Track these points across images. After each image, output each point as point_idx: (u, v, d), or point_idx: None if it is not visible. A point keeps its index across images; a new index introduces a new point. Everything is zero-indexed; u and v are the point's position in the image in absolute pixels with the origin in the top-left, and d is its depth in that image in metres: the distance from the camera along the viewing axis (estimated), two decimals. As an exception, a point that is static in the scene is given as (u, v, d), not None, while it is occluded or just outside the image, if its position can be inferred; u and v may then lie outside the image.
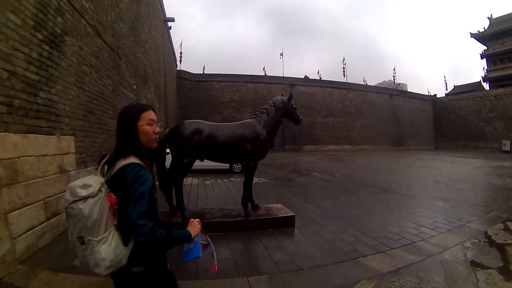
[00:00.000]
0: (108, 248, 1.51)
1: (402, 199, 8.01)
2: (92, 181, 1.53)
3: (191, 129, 5.05)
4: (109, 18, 7.58)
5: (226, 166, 13.44)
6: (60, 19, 5.05)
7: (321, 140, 38.60)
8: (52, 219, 4.64)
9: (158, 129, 1.71)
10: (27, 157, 4.20)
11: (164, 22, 20.50)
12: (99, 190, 1.51)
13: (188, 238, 1.68)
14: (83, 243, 1.51)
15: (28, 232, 4.07)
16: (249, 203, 5.56)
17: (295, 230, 5.39)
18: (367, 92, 43.15)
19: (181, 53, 38.11)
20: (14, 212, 3.84)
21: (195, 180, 11.38)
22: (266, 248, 4.54)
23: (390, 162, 20.71)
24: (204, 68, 42.46)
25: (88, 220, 1.46)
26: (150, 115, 1.68)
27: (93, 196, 1.49)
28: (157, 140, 1.72)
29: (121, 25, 8.76)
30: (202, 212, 5.67)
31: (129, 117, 1.65)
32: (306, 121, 35.54)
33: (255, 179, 11.28)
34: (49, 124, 4.75)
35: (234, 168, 14.00)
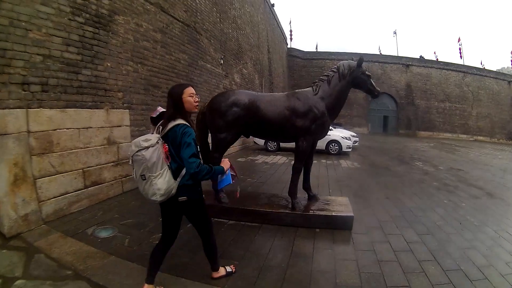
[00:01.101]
0: (163, 181, 2.36)
1: (507, 211, 6.24)
2: (151, 137, 2.39)
3: (228, 101, 4.74)
4: None
5: (321, 145, 12.83)
6: (106, 1, 5.57)
7: (436, 126, 36.94)
8: (91, 187, 5.47)
9: (197, 99, 2.56)
10: (64, 130, 5.00)
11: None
12: (157, 142, 2.37)
13: (222, 171, 2.62)
14: (145, 179, 2.36)
15: (59, 197, 4.93)
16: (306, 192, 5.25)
17: (351, 235, 4.49)
18: (485, 77, 38.49)
19: (290, 31, 38.58)
20: (44, 178, 4.70)
21: (283, 159, 11.39)
22: (288, 256, 3.80)
23: (505, 158, 17.72)
24: (317, 46, 40.76)
25: (149, 162, 2.31)
26: (190, 90, 2.53)
27: (153, 146, 2.34)
28: (197, 106, 2.55)
29: (197, 1, 9.21)
30: (248, 196, 5.44)
31: (176, 92, 2.50)
32: (422, 105, 36.35)
33: (348, 163, 11.26)
34: (95, 99, 5.46)
35: (331, 150, 13.41)
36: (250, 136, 5.19)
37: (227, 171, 2.68)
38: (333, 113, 4.84)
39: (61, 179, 4.95)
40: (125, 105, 6.19)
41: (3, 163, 4.13)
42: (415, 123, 36.00)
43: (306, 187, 5.35)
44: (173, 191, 2.43)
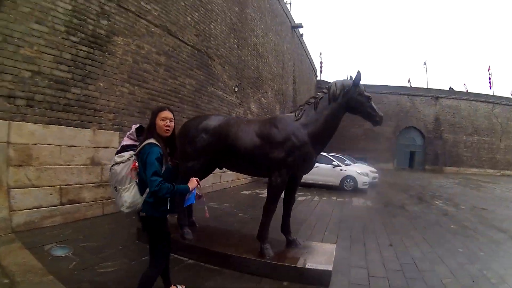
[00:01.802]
0: (129, 195, 2.65)
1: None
2: (125, 154, 2.75)
3: (198, 126, 4.57)
4: (188, 18, 8.27)
5: (334, 181, 12.82)
6: (105, 22, 5.94)
7: (464, 161, 36.20)
8: (67, 205, 5.61)
9: (169, 124, 2.71)
10: (45, 145, 5.22)
11: (292, 29, 21.65)
12: (128, 159, 2.70)
13: (186, 190, 2.69)
14: (116, 191, 2.69)
15: (31, 210, 5.08)
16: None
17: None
18: (515, 107, 37.38)
19: (321, 63, 39.13)
20: (19, 189, 4.90)
21: None
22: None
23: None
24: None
25: (119, 175, 2.67)
26: (164, 114, 2.70)
27: (123, 162, 2.70)
28: (167, 131, 2.71)
29: (211, 26, 9.52)
30: (220, 234, 5.17)
31: (153, 113, 2.74)
32: (449, 139, 35.92)
33: (360, 201, 10.58)
34: (81, 118, 5.70)
35: (345, 186, 12.87)
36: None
37: (193, 191, 2.75)
38: (319, 143, 4.24)
39: (36, 192, 5.12)
40: (115, 126, 6.38)
41: None
42: (442, 158, 35.55)
43: (285, 230, 4.73)
44: (139, 206, 2.67)
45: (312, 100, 4.31)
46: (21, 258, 3.96)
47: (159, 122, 2.66)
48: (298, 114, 4.26)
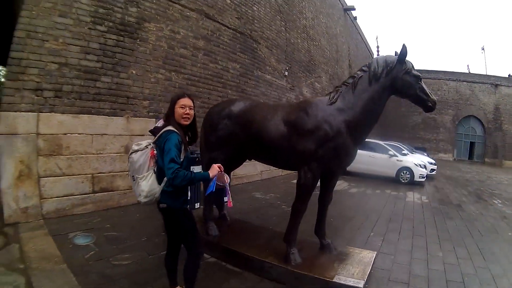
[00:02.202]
0: (147, 183, 2.51)
1: None
2: (143, 142, 2.63)
3: (220, 112, 4.17)
4: (228, 1, 8.00)
5: (390, 172, 12.21)
6: (134, 9, 5.86)
7: None
8: (99, 193, 5.77)
9: (188, 112, 2.59)
10: (76, 134, 5.41)
11: (344, 12, 21.03)
12: (146, 147, 2.58)
13: (206, 178, 2.50)
14: (134, 180, 2.58)
15: (62, 198, 5.32)
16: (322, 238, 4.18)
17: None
18: None
19: (377, 47, 38.20)
20: (49, 178, 5.15)
21: (342, 185, 10.56)
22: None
23: None
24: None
25: (136, 164, 2.55)
26: (183, 101, 2.58)
27: (141, 150, 2.57)
28: (186, 119, 2.59)
29: (254, 8, 8.98)
30: (251, 230, 4.73)
31: (172, 100, 2.63)
32: (510, 131, 33.21)
33: (415, 197, 9.82)
34: (113, 106, 5.77)
35: (401, 178, 12.12)
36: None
37: (213, 178, 2.53)
38: (358, 132, 3.56)
39: (67, 181, 5.33)
40: (150, 113, 6.34)
41: (10, 159, 4.73)
42: (502, 151, 32.92)
43: (319, 232, 4.16)
44: (157, 195, 2.54)
45: (350, 81, 3.66)
46: (42, 245, 4.11)
47: (178, 110, 2.56)
48: (333, 96, 3.63)
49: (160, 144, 2.47)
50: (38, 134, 4.95)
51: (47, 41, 4.97)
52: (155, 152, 2.55)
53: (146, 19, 6.13)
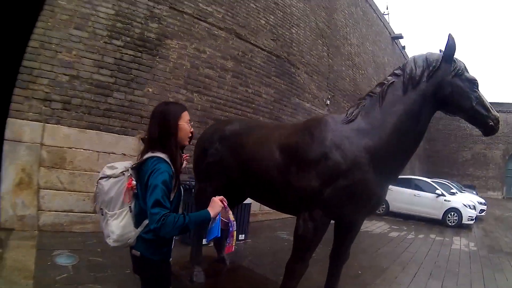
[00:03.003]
0: (118, 224, 1.86)
1: None
2: (119, 165, 1.94)
3: (213, 133, 3.57)
4: (262, 21, 7.64)
5: (436, 214, 11.12)
6: (155, 25, 5.77)
7: None
8: (102, 215, 5.33)
9: (192, 129, 2.05)
10: (81, 150, 5.27)
11: (392, 40, 20.65)
12: (122, 173, 1.89)
13: (206, 219, 1.84)
14: (102, 214, 1.92)
15: (61, 212, 5.10)
16: None
17: None
18: None
19: None
20: (49, 190, 5.00)
21: (383, 227, 9.71)
22: None
23: None
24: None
25: (107, 195, 1.87)
26: (187, 115, 2.01)
27: (115, 177, 1.89)
28: (191, 138, 2.06)
29: (293, 31, 8.61)
30: (251, 277, 3.92)
31: (170, 114, 1.98)
32: None
33: (463, 242, 8.71)
34: (124, 124, 5.61)
35: (448, 221, 11.01)
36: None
37: (217, 218, 1.87)
38: (389, 163, 2.59)
39: (67, 196, 5.13)
40: (167, 136, 5.94)
41: (12, 165, 4.76)
42: None
43: None
44: (130, 241, 1.89)
45: (377, 89, 2.71)
46: (22, 256, 4.02)
47: (186, 126, 1.96)
48: (351, 113, 2.71)
49: (144, 175, 1.83)
50: (42, 144, 4.89)
51: (60, 52, 5.04)
52: (134, 183, 1.87)
53: (168, 35, 6.01)
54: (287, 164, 2.76)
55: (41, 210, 4.87)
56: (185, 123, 1.95)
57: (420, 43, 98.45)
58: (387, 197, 11.29)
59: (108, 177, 1.88)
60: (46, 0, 4.94)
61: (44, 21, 4.94)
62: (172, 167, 1.84)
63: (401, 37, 22.08)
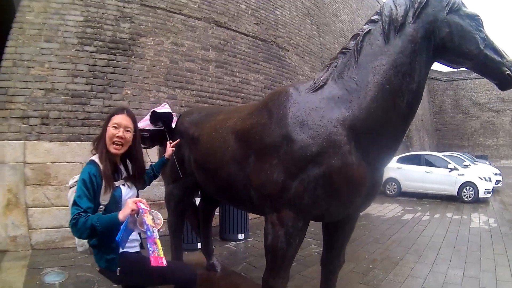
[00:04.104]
0: None
1: None
2: (77, 176, 2.00)
3: (175, 128, 3.32)
4: (243, 6, 7.40)
5: (451, 190, 10.56)
6: (127, 25, 5.62)
7: None
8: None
9: (122, 134, 1.98)
10: (64, 163, 5.28)
11: None
12: (76, 182, 1.96)
13: (114, 222, 1.73)
14: None
15: (51, 229, 5.18)
16: None
17: None
18: None
19: None
20: (37, 208, 5.07)
21: (395, 210, 9.19)
22: None
23: None
24: None
25: (69, 204, 1.92)
26: (116, 118, 2.00)
27: (72, 186, 2.05)
28: (117, 146, 1.98)
29: (277, 12, 8.28)
30: (240, 285, 3.78)
31: (106, 119, 2.06)
32: None
33: (482, 219, 8.16)
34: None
35: (464, 196, 10.45)
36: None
37: (124, 220, 1.71)
38: (377, 139, 2.02)
39: (56, 212, 5.17)
40: (153, 138, 5.83)
41: None
42: None
43: None
44: (85, 246, 2.01)
45: (351, 44, 2.16)
46: (13, 276, 4.10)
47: (110, 130, 1.94)
48: (320, 78, 2.18)
49: None
50: (25, 162, 4.92)
51: (32, 67, 5.01)
52: None
53: (141, 33, 5.82)
54: (244, 155, 2.31)
55: (31, 229, 4.94)
56: (111, 126, 1.92)
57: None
58: (398, 177, 11.32)
59: (70, 187, 2.06)
60: (14, 19, 4.86)
61: (15, 39, 4.93)
62: (99, 168, 1.86)
63: None
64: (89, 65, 5.37)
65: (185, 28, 6.35)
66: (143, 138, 3.02)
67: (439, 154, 12.17)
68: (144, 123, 3.22)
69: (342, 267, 2.64)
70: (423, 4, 1.98)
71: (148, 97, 5.90)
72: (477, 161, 16.13)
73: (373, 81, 1.97)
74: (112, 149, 1.93)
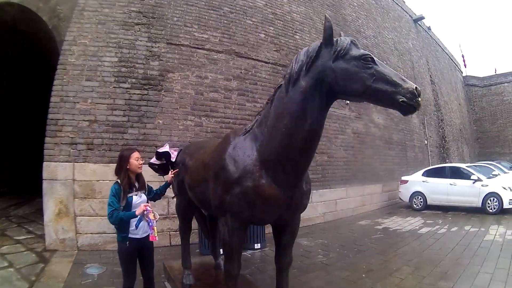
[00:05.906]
0: None
1: None
2: None
3: (180, 155, 4.30)
4: (262, 35, 8.10)
5: (475, 201, 10.28)
6: (155, 63, 6.47)
7: None
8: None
9: (141, 162, 3.34)
10: (107, 181, 6.28)
11: (414, 23, 19.81)
12: None
13: (132, 216, 3.06)
14: None
15: (95, 234, 6.33)
16: None
17: None
18: None
19: (463, 55, 33.56)
20: (84, 217, 6.26)
21: (416, 224, 9.19)
22: None
23: None
24: (495, 70, 36.99)
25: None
26: (136, 154, 3.29)
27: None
28: (141, 167, 3.31)
29: (297, 37, 8.92)
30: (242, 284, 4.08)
31: (123, 157, 3.27)
32: None
33: (499, 231, 7.90)
34: (142, 155, 6.29)
35: (489, 207, 10.09)
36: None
37: (139, 215, 3.05)
38: (282, 165, 2.64)
39: (100, 220, 6.30)
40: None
41: (52, 200, 6.03)
42: None
43: None
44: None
45: (271, 95, 2.90)
46: (60, 268, 5.14)
47: (134, 162, 3.21)
48: (250, 125, 3.00)
49: None
50: (74, 180, 6.09)
51: (77, 102, 6.23)
52: None
53: (169, 69, 6.69)
54: (207, 178, 3.20)
55: (78, 233, 6.05)
56: (134, 160, 3.21)
57: (446, 20, 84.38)
58: (424, 190, 11.25)
59: None
60: (58, 61, 5.80)
61: (60, 78, 6.17)
62: (120, 186, 3.13)
63: (423, 18, 20.94)
64: (125, 99, 6.48)
65: (208, 62, 7.15)
66: (156, 169, 4.49)
67: (463, 165, 11.94)
68: (153, 160, 4.45)
69: (291, 264, 3.25)
70: (312, 58, 2.44)
71: (177, 126, 6.83)
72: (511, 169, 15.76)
73: (275, 126, 2.63)
74: (139, 170, 3.28)
